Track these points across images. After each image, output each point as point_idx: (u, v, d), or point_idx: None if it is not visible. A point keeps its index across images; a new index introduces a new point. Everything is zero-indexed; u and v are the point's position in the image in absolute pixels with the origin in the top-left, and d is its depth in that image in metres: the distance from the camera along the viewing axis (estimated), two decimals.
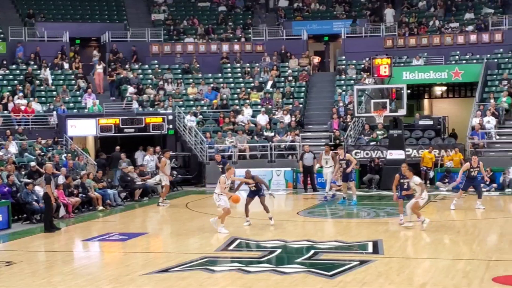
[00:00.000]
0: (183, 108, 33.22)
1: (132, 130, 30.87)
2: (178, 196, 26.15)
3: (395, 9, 41.95)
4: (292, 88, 35.49)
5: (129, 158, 28.03)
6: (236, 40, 39.99)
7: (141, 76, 36.75)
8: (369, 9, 41.82)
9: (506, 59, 35.23)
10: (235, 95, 35.62)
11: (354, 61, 37.26)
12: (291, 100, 34.41)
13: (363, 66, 35.95)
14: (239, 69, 38.08)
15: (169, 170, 24.44)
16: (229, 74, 37.78)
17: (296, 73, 36.92)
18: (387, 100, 27.23)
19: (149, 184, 25.97)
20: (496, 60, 35.26)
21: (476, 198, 21.12)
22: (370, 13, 41.48)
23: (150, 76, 37.03)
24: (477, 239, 16.18)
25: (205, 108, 34.15)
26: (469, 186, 21.09)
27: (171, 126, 31.47)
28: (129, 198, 25.16)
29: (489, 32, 36.97)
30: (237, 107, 33.87)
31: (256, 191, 18.68)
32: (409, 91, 33.58)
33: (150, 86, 35.68)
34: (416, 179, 17.56)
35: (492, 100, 30.90)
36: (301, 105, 34.07)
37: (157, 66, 37.46)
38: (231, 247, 15.64)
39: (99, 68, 35.66)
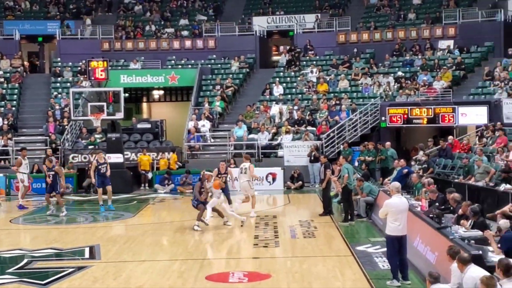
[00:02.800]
0: None
1: None
2: None
3: (111, 12, 41.94)
4: (4, 90, 33.81)
5: None
6: None
7: None
8: (80, 11, 41.28)
9: (219, 65, 36.88)
10: None
11: (71, 63, 36.53)
12: (3, 102, 32.76)
13: (79, 68, 35.39)
14: None
15: None
16: None
17: (8, 74, 35.26)
18: (105, 103, 27.02)
19: None
20: (210, 65, 36.72)
21: None
22: (86, 13, 41.04)
23: None
24: (193, 239, 16.65)
25: None
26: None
27: None
28: None
29: (203, 38, 38.41)
30: None
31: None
32: (127, 94, 33.78)
33: None
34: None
35: (206, 104, 32.10)
36: (14, 108, 32.59)
37: None
38: None
39: None
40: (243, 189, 20.02)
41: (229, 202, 20.54)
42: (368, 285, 11.73)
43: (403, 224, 11.60)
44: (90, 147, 29.14)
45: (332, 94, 32.33)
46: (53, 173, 21.01)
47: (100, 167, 22.02)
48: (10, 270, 13.32)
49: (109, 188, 21.92)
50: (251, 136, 29.49)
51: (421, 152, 24.06)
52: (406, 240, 11.75)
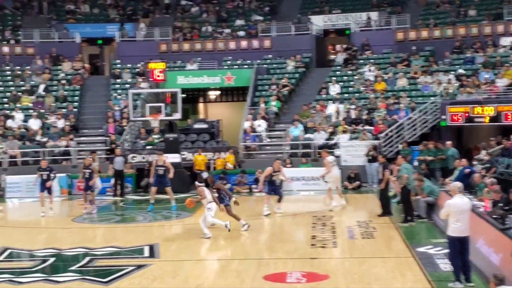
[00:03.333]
0: None
1: None
2: None
3: (169, 14, 42.36)
4: (66, 92, 34.47)
5: None
6: (5, 42, 38.11)
7: None
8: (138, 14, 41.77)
9: (275, 65, 36.84)
10: (5, 99, 33.89)
11: (129, 65, 37.00)
12: (65, 104, 33.39)
13: (138, 70, 35.83)
14: (9, 72, 36.31)
15: None
16: None
17: (70, 76, 35.93)
18: (163, 104, 27.29)
19: None
20: (265, 65, 36.73)
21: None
22: (143, 16, 41.50)
23: None
24: (250, 238, 16.67)
25: None
26: (272, 190, 20.86)
27: None
28: None
29: (259, 38, 38.45)
30: (7, 111, 32.22)
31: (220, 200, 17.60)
32: (184, 95, 33.97)
33: None
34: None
35: (262, 104, 32.12)
36: (75, 109, 33.20)
37: None
38: (1, 258, 14.86)
39: None
40: None
41: (279, 200, 20.63)
42: (429, 287, 11.54)
43: (466, 225, 11.37)
44: (148, 147, 29.45)
45: (390, 93, 31.97)
46: (89, 171, 21.93)
47: (157, 168, 22.29)
48: (72, 268, 13.56)
49: (168, 189, 22.22)
50: (307, 135, 29.37)
51: (483, 152, 23.56)
52: (468, 241, 11.51)
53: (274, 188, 20.81)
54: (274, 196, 20.81)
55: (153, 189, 22.35)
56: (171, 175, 22.29)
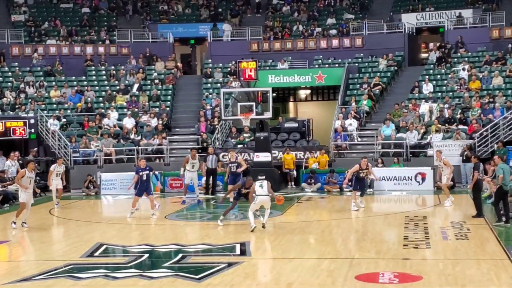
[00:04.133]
0: (45, 112, 32.19)
1: None
2: (41, 202, 25.25)
3: (260, 14, 42.61)
4: (159, 91, 35.21)
5: None
6: (100, 42, 39.26)
7: (0, 79, 35.33)
8: (232, 14, 42.15)
9: (366, 64, 36.54)
10: (100, 98, 34.92)
11: (221, 64, 37.45)
12: (158, 103, 34.12)
13: (229, 69, 36.22)
14: (104, 72, 37.39)
15: (27, 182, 18.88)
16: (94, 77, 37.02)
17: (163, 76, 36.68)
18: (254, 103, 27.48)
19: (10, 191, 24.89)
20: (357, 64, 36.49)
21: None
22: (233, 15, 41.87)
23: (10, 78, 35.67)
24: (341, 238, 16.60)
25: (68, 111, 33.26)
26: (358, 186, 21.25)
27: (33, 130, 30.42)
28: None
29: (350, 37, 38.21)
30: (103, 110, 33.18)
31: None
32: (274, 94, 34.19)
33: (10, 88, 34.38)
34: None
35: (353, 103, 31.91)
36: (168, 108, 33.87)
37: (17, 68, 36.12)
38: (97, 253, 15.26)
39: None
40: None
41: (362, 194, 20.97)
42: None
43: None
44: (239, 146, 29.73)
45: (485, 92, 31.19)
46: (147, 172, 20.52)
47: (230, 165, 22.53)
48: (166, 264, 13.82)
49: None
50: (399, 135, 29.01)
51: None
52: None
53: (360, 184, 21.16)
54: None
55: (229, 187, 22.58)
56: (239, 170, 22.58)
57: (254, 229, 17.09)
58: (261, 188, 17.22)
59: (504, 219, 17.70)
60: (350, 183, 22.56)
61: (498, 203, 18.19)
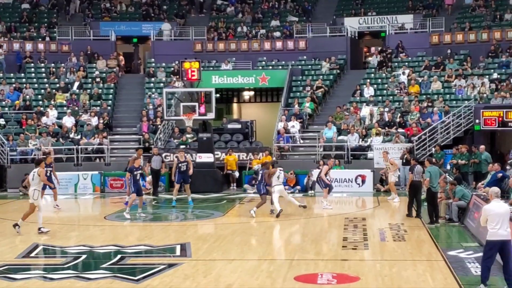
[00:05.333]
0: None
1: None
2: None
3: (204, 14, 42.51)
4: (100, 90, 34.79)
5: None
6: (40, 39, 38.63)
7: None
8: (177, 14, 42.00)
9: (309, 66, 36.83)
10: (39, 96, 34.35)
11: (164, 64, 37.23)
12: (99, 102, 33.71)
13: (172, 69, 36.03)
14: (43, 69, 36.78)
15: None
16: (33, 74, 36.40)
17: (104, 74, 36.27)
18: (196, 104, 27.42)
19: None
20: (300, 66, 36.72)
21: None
22: (177, 15, 41.71)
23: None
24: (281, 239, 16.69)
25: (6, 109, 32.61)
26: (326, 184, 22.19)
27: None
28: None
29: (294, 39, 38.45)
30: (41, 108, 32.64)
31: None
32: (218, 95, 34.13)
33: None
34: None
35: (296, 105, 32.10)
36: (109, 107, 33.50)
37: None
38: (33, 254, 15.03)
39: None
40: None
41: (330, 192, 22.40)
42: None
43: (505, 229, 11.22)
44: (181, 146, 29.58)
45: (424, 96, 31.76)
46: (140, 171, 20.93)
47: (180, 165, 22.63)
48: (104, 266, 13.69)
49: (186, 186, 22.84)
50: (341, 137, 29.31)
51: None
52: (510, 246, 11.32)
53: (328, 184, 22.25)
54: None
55: (176, 186, 22.90)
56: (191, 171, 22.93)
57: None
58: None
59: (434, 219, 18.24)
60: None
61: (428, 205, 18.69)
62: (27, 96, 33.62)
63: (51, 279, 12.53)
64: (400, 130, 28.87)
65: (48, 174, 21.29)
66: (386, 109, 30.70)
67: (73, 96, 33.69)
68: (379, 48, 37.97)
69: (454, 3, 39.52)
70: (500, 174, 20.27)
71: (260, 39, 38.82)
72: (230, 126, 32.20)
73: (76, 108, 32.68)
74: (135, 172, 20.27)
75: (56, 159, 28.79)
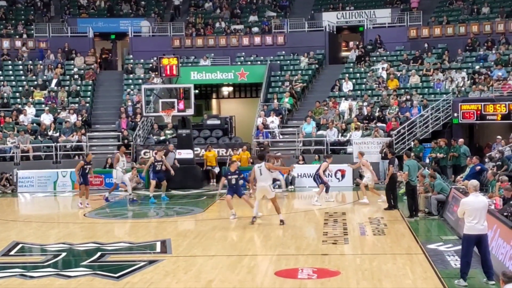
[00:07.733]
0: None
1: None
2: None
3: (182, 10, 42.40)
4: (78, 87, 34.59)
5: None
6: (17, 36, 38.31)
7: None
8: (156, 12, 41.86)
9: (288, 61, 36.85)
10: (17, 94, 34.08)
11: (142, 60, 37.11)
12: (77, 99, 33.53)
13: (151, 65, 35.90)
14: (21, 66, 36.51)
15: None
16: (10, 72, 36.10)
17: (82, 71, 36.06)
18: (175, 100, 27.36)
19: None
20: (279, 62, 36.74)
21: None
22: (158, 12, 41.58)
23: None
24: (262, 234, 16.71)
25: None
26: (323, 181, 22.13)
27: None
28: None
29: (272, 34, 38.46)
30: (19, 105, 32.39)
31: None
32: (197, 91, 34.06)
33: None
34: None
35: (275, 101, 32.14)
36: (87, 104, 33.33)
37: None
38: (12, 252, 14.94)
39: None
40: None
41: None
42: (440, 284, 11.54)
43: (482, 223, 11.32)
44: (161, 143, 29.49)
45: (402, 90, 31.91)
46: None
47: (156, 163, 22.79)
48: (84, 263, 13.63)
49: (164, 183, 23.45)
50: (320, 132, 29.37)
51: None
52: (487, 240, 11.45)
53: (325, 182, 22.29)
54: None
55: (153, 182, 23.22)
56: (172, 172, 23.94)
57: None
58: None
59: (413, 213, 18.36)
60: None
61: (407, 198, 18.82)
62: (5, 94, 33.37)
63: (31, 277, 12.47)
64: (379, 124, 28.98)
65: (87, 171, 22.05)
66: (365, 103, 30.80)
67: (51, 93, 33.50)
68: (357, 43, 38.11)
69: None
70: (479, 167, 20.45)
71: (238, 35, 38.78)
72: (209, 122, 32.16)
73: (55, 106, 32.48)
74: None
75: (34, 157, 28.73)
